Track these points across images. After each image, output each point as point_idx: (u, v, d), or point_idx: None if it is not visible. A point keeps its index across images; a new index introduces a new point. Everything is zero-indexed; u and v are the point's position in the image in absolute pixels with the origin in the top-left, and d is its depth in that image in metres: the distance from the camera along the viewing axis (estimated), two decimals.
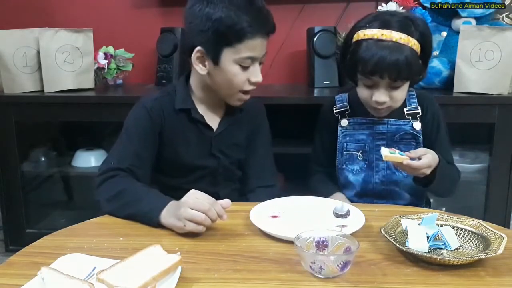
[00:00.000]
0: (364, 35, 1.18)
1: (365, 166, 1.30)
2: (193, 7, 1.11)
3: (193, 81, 1.22)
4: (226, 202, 0.95)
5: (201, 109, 1.22)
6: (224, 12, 1.06)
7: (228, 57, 1.11)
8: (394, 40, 1.14)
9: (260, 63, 1.16)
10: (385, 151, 1.10)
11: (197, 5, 1.10)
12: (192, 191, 0.96)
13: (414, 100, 1.30)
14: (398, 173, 1.28)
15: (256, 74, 1.14)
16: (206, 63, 1.14)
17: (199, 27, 1.09)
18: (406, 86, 1.21)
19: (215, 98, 1.22)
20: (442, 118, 1.31)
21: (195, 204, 0.92)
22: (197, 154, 1.23)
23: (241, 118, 1.27)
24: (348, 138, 1.31)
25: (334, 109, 1.34)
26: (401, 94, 1.21)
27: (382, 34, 1.15)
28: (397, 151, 1.12)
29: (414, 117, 1.28)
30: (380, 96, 1.19)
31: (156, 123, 1.19)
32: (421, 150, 1.14)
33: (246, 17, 1.07)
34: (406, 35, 1.15)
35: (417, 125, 1.27)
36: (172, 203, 0.98)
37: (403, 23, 1.17)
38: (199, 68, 1.15)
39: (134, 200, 1.03)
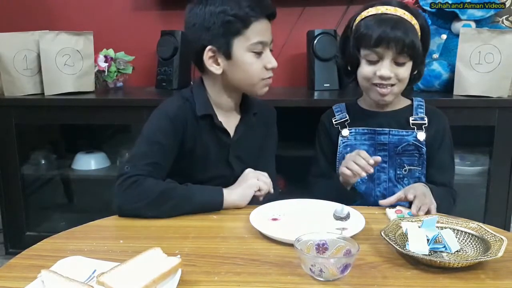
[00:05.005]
0: (368, 12, 1.19)
1: (366, 178, 1.25)
2: (194, 9, 1.13)
3: (208, 87, 1.21)
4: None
5: (219, 114, 1.20)
6: (225, 4, 1.09)
7: (240, 46, 1.12)
8: (398, 14, 1.16)
9: (270, 50, 1.17)
10: (391, 215, 1.05)
11: (198, 6, 1.12)
12: (249, 170, 1.16)
13: (422, 110, 1.26)
14: (400, 185, 1.24)
15: (270, 59, 1.15)
16: (219, 60, 1.14)
17: (204, 25, 1.11)
18: (409, 65, 1.19)
19: (231, 102, 1.21)
20: (448, 137, 1.26)
21: (259, 177, 1.13)
22: (214, 163, 1.21)
23: (255, 122, 1.26)
24: (348, 148, 1.27)
25: (333, 120, 1.31)
26: (405, 72, 1.18)
27: (387, 9, 1.17)
28: (403, 211, 1.06)
29: (419, 127, 1.24)
30: (385, 70, 1.16)
31: (178, 133, 1.16)
32: (402, 194, 1.09)
33: (246, 3, 1.10)
34: (410, 14, 1.17)
35: (421, 135, 1.22)
36: (231, 186, 1.13)
37: (407, 7, 1.19)
38: (214, 68, 1.14)
39: (184, 198, 1.06)
